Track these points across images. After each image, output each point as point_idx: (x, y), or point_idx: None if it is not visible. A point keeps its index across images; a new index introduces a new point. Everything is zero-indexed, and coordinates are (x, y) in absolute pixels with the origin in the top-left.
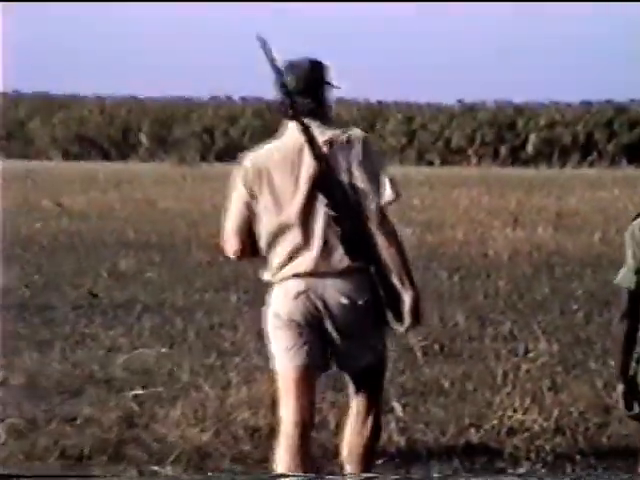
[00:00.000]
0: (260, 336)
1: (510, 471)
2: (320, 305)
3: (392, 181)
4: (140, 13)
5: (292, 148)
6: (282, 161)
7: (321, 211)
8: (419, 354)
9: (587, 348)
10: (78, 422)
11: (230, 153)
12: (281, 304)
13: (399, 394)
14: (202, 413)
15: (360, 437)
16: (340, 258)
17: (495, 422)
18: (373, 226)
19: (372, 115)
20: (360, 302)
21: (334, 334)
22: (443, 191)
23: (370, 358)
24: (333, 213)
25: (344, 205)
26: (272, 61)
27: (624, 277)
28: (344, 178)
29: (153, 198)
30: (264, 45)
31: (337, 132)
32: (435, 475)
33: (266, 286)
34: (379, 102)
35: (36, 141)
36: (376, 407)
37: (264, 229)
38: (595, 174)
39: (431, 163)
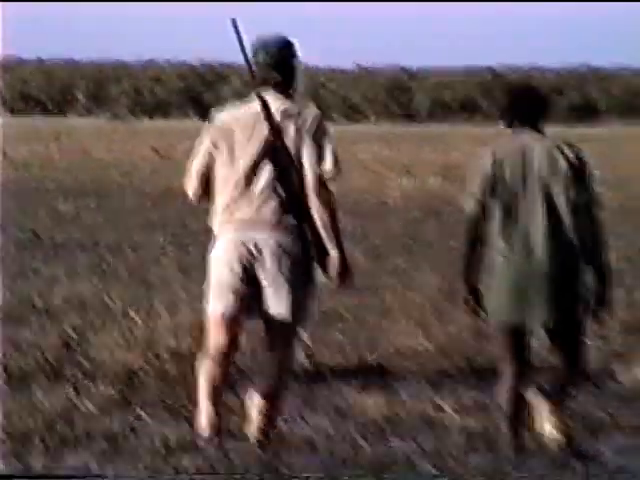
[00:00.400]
0: (182, 271)
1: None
2: (255, 252)
3: (335, 158)
4: None
5: (252, 114)
6: (242, 123)
7: (266, 170)
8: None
9: None
10: (22, 346)
11: (157, 110)
12: (220, 249)
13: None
14: (130, 338)
15: (273, 364)
16: (276, 213)
17: (387, 346)
18: (311, 192)
19: None
20: (291, 253)
21: (264, 280)
22: (345, 146)
23: (294, 304)
24: (276, 173)
25: (287, 168)
26: (241, 42)
27: (468, 202)
28: (292, 146)
29: (89, 149)
30: (236, 26)
31: (293, 105)
32: None
33: (187, 229)
34: None
35: None
36: (291, 344)
37: (218, 177)
38: (477, 131)
39: (333, 120)
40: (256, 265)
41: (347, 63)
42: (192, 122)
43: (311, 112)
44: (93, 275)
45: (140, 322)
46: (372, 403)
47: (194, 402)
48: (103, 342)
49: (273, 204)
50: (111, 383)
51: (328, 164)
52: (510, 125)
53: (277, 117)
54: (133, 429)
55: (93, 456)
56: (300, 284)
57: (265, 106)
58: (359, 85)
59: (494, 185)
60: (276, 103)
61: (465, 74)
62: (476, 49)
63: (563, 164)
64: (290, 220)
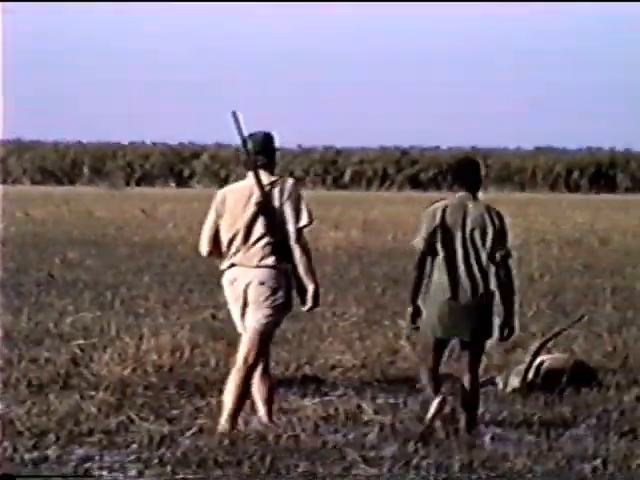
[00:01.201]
0: (163, 304)
1: (334, 393)
2: (245, 285)
3: (309, 213)
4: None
5: (247, 186)
6: (239, 194)
7: (259, 227)
8: None
9: (382, 311)
10: (39, 362)
11: (144, 180)
12: (225, 285)
13: None
14: (124, 356)
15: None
16: (266, 257)
17: (322, 361)
18: (292, 242)
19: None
20: (271, 285)
21: (249, 301)
22: None
23: (270, 317)
24: (267, 228)
25: (275, 224)
26: (241, 132)
27: (417, 242)
28: (277, 208)
29: (91, 210)
30: (236, 118)
31: (277, 178)
32: None
33: (168, 271)
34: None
35: (13, 172)
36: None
37: (223, 237)
38: (389, 195)
39: None
40: (247, 294)
41: (291, 144)
42: (171, 189)
43: (289, 182)
44: (95, 307)
45: (131, 343)
46: (310, 405)
47: (174, 405)
48: (102, 359)
49: (264, 250)
50: (109, 391)
51: (304, 220)
52: (452, 187)
53: (266, 187)
54: (126, 427)
55: (94, 447)
56: (283, 307)
57: (258, 178)
58: (301, 161)
59: (439, 232)
60: (264, 177)
61: (380, 152)
62: (389, 131)
63: (489, 223)
64: (278, 262)
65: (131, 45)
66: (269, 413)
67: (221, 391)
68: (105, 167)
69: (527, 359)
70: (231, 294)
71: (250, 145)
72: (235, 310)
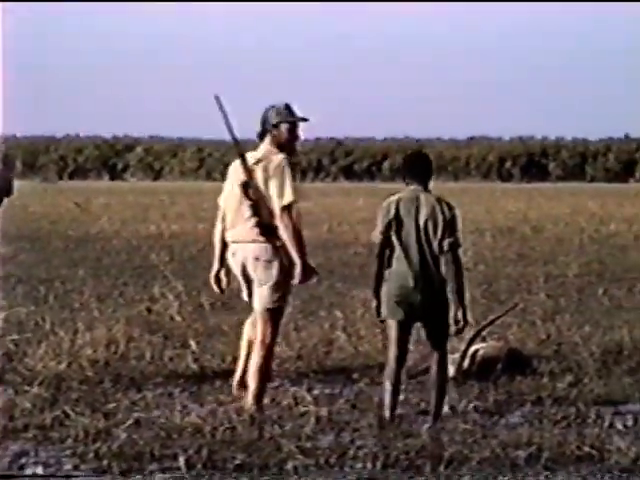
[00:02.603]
0: (98, 298)
1: None
2: (243, 259)
3: (294, 189)
4: None
5: (235, 166)
6: (233, 173)
7: (245, 204)
8: (208, 308)
9: (318, 302)
10: None
11: (79, 174)
12: (229, 257)
13: (194, 335)
14: (58, 351)
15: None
16: (254, 233)
17: None
18: (277, 218)
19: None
20: (265, 260)
21: (252, 277)
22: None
23: (265, 299)
24: (252, 209)
25: (258, 205)
26: (225, 116)
27: (375, 236)
28: (262, 185)
29: (25, 204)
30: (219, 103)
31: (265, 154)
32: None
33: (102, 264)
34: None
35: None
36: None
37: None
38: (324, 186)
39: (215, 179)
40: (246, 268)
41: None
42: (105, 182)
43: (275, 160)
44: (29, 302)
45: (66, 338)
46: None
47: (110, 399)
48: (37, 354)
49: (252, 227)
50: (43, 386)
51: (287, 198)
52: (405, 180)
53: (253, 165)
54: (61, 422)
55: (29, 442)
56: (275, 280)
57: (243, 161)
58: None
59: (394, 224)
60: (253, 153)
61: (314, 143)
62: (323, 123)
63: (439, 214)
64: (265, 237)
65: (62, 32)
66: (258, 399)
67: (156, 384)
68: (38, 161)
69: (462, 347)
70: (234, 267)
71: (268, 115)
72: (241, 281)
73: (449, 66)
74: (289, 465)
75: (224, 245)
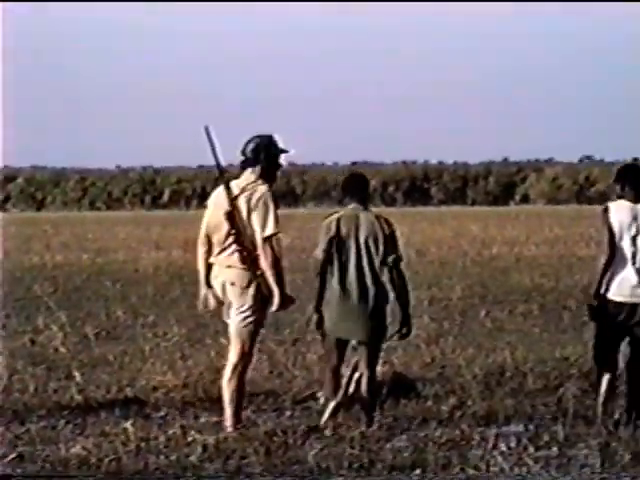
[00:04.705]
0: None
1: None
2: (223, 283)
3: (276, 221)
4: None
5: (221, 193)
6: (217, 201)
7: (228, 232)
8: (92, 338)
9: (204, 330)
10: None
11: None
12: (212, 279)
13: (79, 366)
14: None
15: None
16: (233, 259)
17: (143, 382)
18: (259, 249)
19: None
20: (241, 286)
21: (231, 300)
22: (107, 227)
23: (245, 320)
24: (234, 237)
25: (240, 233)
26: (212, 146)
27: (317, 253)
28: (245, 215)
29: None
30: (208, 133)
31: (249, 184)
32: None
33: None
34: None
35: None
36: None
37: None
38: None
39: (99, 209)
40: (226, 292)
41: (109, 164)
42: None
43: (259, 191)
44: None
45: None
46: (132, 428)
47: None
48: None
49: (234, 254)
50: None
51: (268, 230)
52: (344, 201)
53: (235, 192)
54: None
55: None
56: (252, 304)
57: (228, 191)
58: (119, 181)
59: (335, 242)
60: (237, 182)
61: (198, 170)
62: (205, 149)
63: (379, 230)
64: (245, 265)
65: None
66: (236, 420)
67: (40, 417)
68: None
69: (347, 373)
70: (217, 289)
71: (245, 148)
72: (225, 303)
73: (329, 91)
74: None
75: (208, 268)
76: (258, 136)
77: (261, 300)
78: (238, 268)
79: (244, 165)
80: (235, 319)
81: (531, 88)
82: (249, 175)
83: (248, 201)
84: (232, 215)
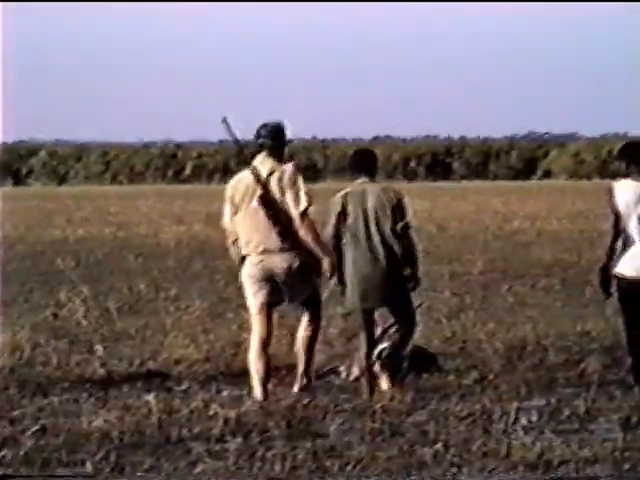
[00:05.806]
0: (4, 305)
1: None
2: (271, 268)
3: (308, 195)
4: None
5: (249, 177)
6: (243, 184)
7: (262, 215)
8: (114, 312)
9: (226, 304)
10: None
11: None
12: (247, 269)
13: (101, 339)
14: None
15: (306, 335)
16: (275, 242)
17: (166, 356)
18: (297, 225)
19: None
20: (294, 265)
21: (282, 284)
22: (129, 201)
23: (308, 293)
24: (272, 219)
25: (277, 214)
26: (234, 136)
27: (327, 229)
28: (278, 194)
29: None
30: (227, 124)
31: (276, 164)
32: None
33: (6, 268)
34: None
35: None
36: (318, 317)
37: (237, 224)
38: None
39: (121, 183)
40: (275, 276)
41: (131, 138)
42: (7, 188)
43: (287, 169)
44: None
45: None
46: (154, 401)
47: (16, 406)
48: None
49: (273, 236)
50: None
51: (302, 204)
52: (353, 175)
53: (265, 177)
54: None
55: None
56: (309, 282)
57: (257, 176)
58: (141, 155)
59: (344, 216)
60: (267, 165)
61: (220, 145)
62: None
63: (387, 202)
64: (287, 245)
65: None
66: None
67: (63, 390)
68: None
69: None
70: (257, 274)
71: (261, 131)
72: (256, 289)
73: (352, 66)
74: (198, 468)
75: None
76: (271, 122)
77: (314, 271)
78: (286, 249)
79: (261, 148)
80: (301, 293)
81: (553, 63)
82: (266, 158)
83: (280, 181)
84: (267, 198)
